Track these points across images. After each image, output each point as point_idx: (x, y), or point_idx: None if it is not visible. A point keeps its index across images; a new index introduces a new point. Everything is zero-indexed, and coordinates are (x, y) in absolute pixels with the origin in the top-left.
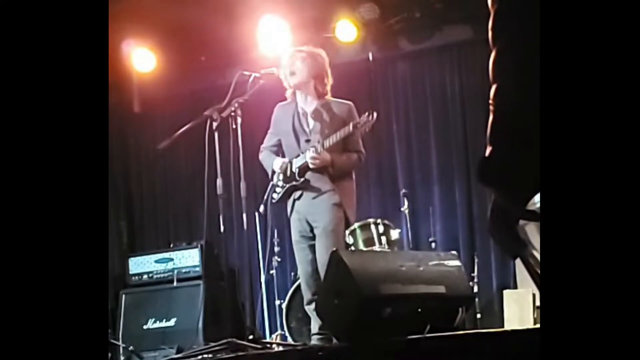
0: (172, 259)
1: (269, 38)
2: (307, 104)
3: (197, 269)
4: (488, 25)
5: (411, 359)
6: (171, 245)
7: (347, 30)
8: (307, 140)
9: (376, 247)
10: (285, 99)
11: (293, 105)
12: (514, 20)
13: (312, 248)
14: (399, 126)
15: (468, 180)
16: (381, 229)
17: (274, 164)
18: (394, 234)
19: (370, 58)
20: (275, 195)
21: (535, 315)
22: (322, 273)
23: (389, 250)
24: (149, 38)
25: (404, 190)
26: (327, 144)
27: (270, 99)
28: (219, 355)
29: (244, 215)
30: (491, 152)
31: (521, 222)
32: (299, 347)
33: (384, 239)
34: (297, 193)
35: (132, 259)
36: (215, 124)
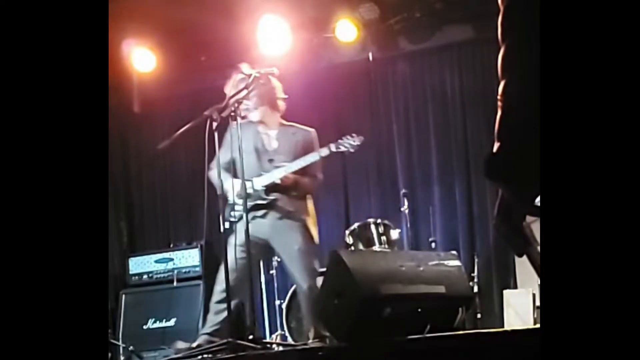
0: (172, 259)
1: (269, 38)
2: (267, 125)
3: (197, 269)
4: (497, 22)
5: (411, 359)
6: (171, 245)
7: (347, 30)
8: (270, 160)
9: (376, 247)
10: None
11: (253, 126)
12: (523, 16)
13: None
14: (399, 126)
15: (468, 180)
16: (381, 229)
17: (227, 183)
18: (394, 234)
19: (370, 58)
20: (234, 214)
21: (535, 315)
22: (300, 294)
23: (389, 250)
24: (149, 38)
25: (404, 190)
26: (295, 166)
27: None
28: (219, 355)
29: (244, 216)
30: (499, 148)
31: (528, 219)
32: (299, 347)
33: (384, 239)
34: (260, 212)
35: (132, 259)
36: (215, 124)
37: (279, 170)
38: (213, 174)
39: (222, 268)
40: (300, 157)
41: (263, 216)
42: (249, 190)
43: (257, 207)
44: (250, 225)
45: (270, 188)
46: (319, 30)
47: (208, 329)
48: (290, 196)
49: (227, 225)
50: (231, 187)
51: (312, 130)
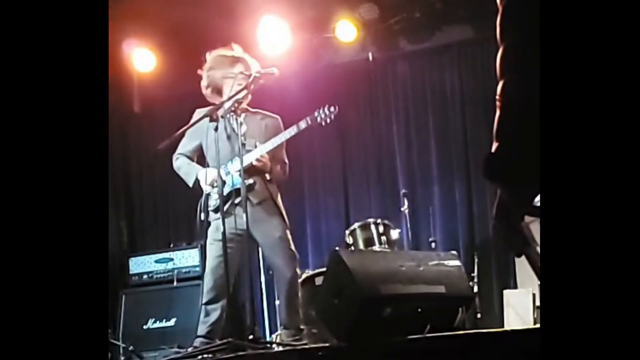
0: (172, 259)
1: (269, 38)
2: (228, 112)
3: (197, 269)
4: (496, 21)
5: (411, 359)
6: (171, 245)
7: (347, 30)
8: (243, 145)
9: (376, 247)
10: (286, 96)
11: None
12: (522, 16)
13: (232, 249)
14: (399, 126)
15: (468, 180)
16: (381, 229)
17: (199, 172)
18: (394, 234)
19: (370, 58)
20: (212, 203)
21: (535, 315)
22: (281, 281)
23: (389, 250)
24: (149, 38)
25: (404, 190)
26: (270, 146)
27: (270, 99)
28: (219, 355)
29: (244, 215)
30: (498, 147)
31: (527, 219)
32: (299, 347)
33: (384, 239)
34: (237, 199)
35: (132, 259)
36: (215, 124)
37: (254, 151)
38: (180, 163)
39: (208, 267)
40: (269, 139)
41: (240, 203)
42: (224, 178)
43: (233, 194)
44: (228, 220)
45: (247, 170)
46: (319, 30)
47: (201, 331)
48: (266, 180)
49: (202, 217)
50: (204, 177)
51: (277, 116)
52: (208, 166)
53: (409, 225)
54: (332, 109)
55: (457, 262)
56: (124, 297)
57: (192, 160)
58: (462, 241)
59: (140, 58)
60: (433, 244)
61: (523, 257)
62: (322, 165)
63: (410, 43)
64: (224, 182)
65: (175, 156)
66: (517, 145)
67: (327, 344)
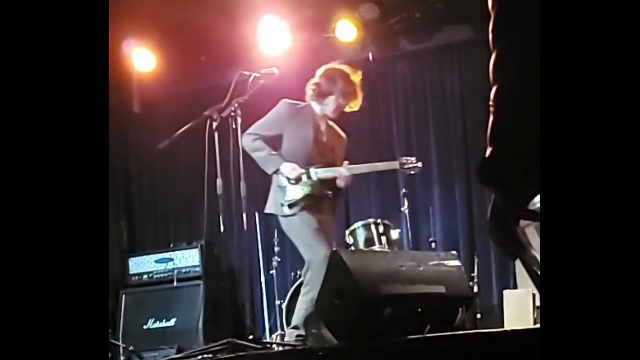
0: (172, 259)
1: (269, 38)
2: (320, 118)
3: (197, 269)
4: (488, 28)
5: (411, 359)
6: (171, 245)
7: (347, 30)
8: (322, 154)
9: (376, 247)
10: (286, 96)
11: (310, 111)
12: (513, 23)
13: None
14: (399, 126)
15: (468, 180)
16: (381, 229)
17: (284, 165)
18: (394, 234)
19: (370, 58)
20: (288, 198)
21: (535, 315)
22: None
23: (389, 250)
24: (149, 38)
25: (404, 190)
26: (359, 170)
27: (270, 99)
28: (219, 355)
29: (244, 215)
30: (491, 152)
31: (522, 223)
32: (299, 347)
33: (384, 239)
34: (309, 202)
35: (132, 259)
36: (215, 124)
37: (350, 167)
38: (260, 146)
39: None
40: (336, 159)
41: (310, 210)
42: (306, 179)
43: (308, 199)
44: (300, 217)
45: (329, 182)
46: (319, 30)
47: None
48: (337, 198)
49: (284, 209)
50: (287, 171)
51: (344, 136)
52: (282, 156)
53: (409, 225)
54: (419, 164)
55: (457, 262)
56: (124, 297)
57: (268, 145)
58: (462, 241)
59: (140, 58)
60: (433, 244)
61: None
62: None
63: (410, 43)
64: (312, 182)
65: (252, 136)
66: (510, 149)
67: (327, 344)
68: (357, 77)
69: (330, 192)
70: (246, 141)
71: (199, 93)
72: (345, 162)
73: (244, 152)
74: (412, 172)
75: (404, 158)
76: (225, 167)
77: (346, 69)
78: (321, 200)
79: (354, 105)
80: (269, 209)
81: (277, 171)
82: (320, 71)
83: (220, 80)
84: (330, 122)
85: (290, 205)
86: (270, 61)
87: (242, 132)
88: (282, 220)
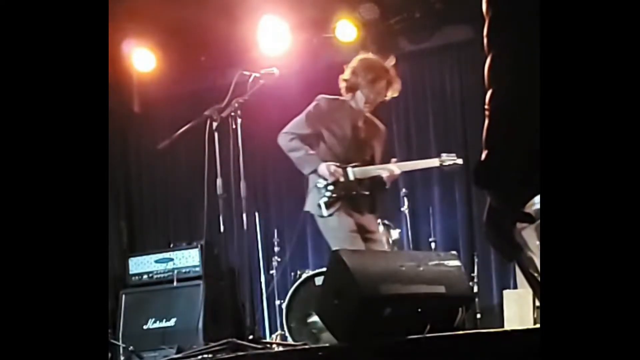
0: (172, 259)
1: (269, 38)
2: (357, 112)
3: (197, 269)
4: (483, 32)
5: (411, 359)
6: (171, 245)
7: (347, 30)
8: (361, 150)
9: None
10: (286, 96)
11: (346, 106)
12: (508, 27)
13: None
14: (399, 126)
15: (468, 180)
16: (381, 229)
17: (321, 165)
18: (394, 234)
19: None
20: (325, 198)
21: (535, 315)
22: None
23: (389, 250)
24: (149, 38)
25: (404, 190)
26: (413, 166)
27: (270, 99)
28: (219, 355)
29: (244, 215)
30: (487, 155)
31: (518, 225)
32: (299, 347)
33: (384, 239)
34: (347, 202)
35: (132, 259)
36: (215, 124)
37: (392, 165)
38: (297, 146)
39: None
40: (374, 156)
41: (348, 211)
42: (343, 179)
43: (345, 199)
44: (339, 217)
45: (370, 180)
46: (319, 30)
47: None
48: (380, 195)
49: (321, 210)
50: (325, 172)
51: (382, 126)
52: (319, 156)
53: (409, 225)
54: (459, 161)
55: (457, 262)
56: (124, 297)
57: (305, 144)
58: (462, 241)
59: (140, 58)
60: (433, 244)
61: None
62: None
63: (410, 43)
64: (349, 182)
65: (288, 135)
66: (506, 152)
67: (327, 344)
68: (388, 64)
69: (367, 192)
70: (283, 141)
71: (199, 93)
72: (393, 160)
73: (244, 152)
74: (448, 170)
75: (444, 155)
76: (225, 167)
77: (374, 58)
78: (359, 200)
79: (393, 92)
80: (308, 207)
81: (314, 171)
82: (350, 65)
83: (220, 80)
84: (368, 114)
85: (328, 206)
86: (270, 61)
87: (242, 132)
88: (318, 220)
